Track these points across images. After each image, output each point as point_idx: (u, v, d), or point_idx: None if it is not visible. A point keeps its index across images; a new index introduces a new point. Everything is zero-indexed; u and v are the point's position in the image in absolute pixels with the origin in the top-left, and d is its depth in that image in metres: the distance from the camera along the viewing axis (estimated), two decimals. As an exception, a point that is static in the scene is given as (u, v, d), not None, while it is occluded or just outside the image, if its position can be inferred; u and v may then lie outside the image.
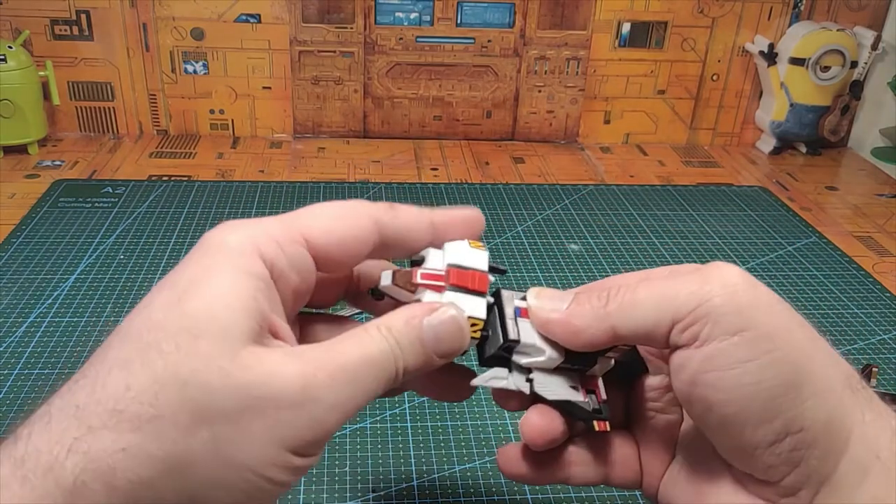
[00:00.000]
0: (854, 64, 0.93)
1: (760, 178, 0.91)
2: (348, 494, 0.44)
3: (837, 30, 0.92)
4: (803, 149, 0.99)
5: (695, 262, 0.70)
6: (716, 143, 1.01)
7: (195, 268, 0.26)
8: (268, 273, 0.27)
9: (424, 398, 0.51)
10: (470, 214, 0.32)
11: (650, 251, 0.72)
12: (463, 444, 0.48)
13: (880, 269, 0.72)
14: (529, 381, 0.31)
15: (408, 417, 0.50)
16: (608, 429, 0.32)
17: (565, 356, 0.30)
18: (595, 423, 0.31)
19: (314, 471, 0.45)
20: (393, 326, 0.27)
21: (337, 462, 0.46)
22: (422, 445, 0.48)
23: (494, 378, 0.31)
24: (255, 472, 0.24)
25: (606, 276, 0.35)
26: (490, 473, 0.46)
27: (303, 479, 0.44)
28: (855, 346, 0.59)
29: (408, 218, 0.30)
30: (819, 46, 0.91)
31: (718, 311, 0.26)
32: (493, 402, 0.51)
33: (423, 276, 0.29)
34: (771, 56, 0.93)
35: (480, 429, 0.49)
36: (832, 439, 0.26)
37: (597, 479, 0.33)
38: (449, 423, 0.50)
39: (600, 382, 0.32)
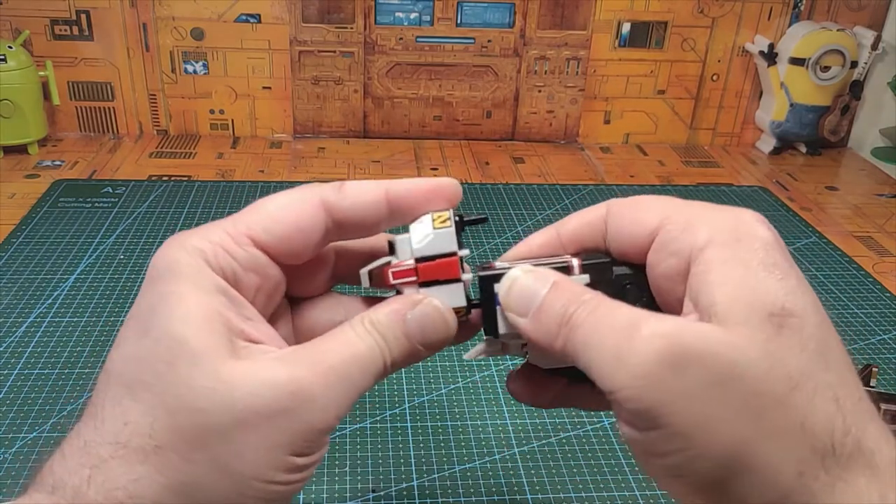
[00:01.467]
0: (854, 64, 0.93)
1: (760, 178, 0.91)
2: (348, 494, 0.44)
3: (837, 30, 0.92)
4: (803, 149, 0.99)
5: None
6: (716, 143, 1.01)
7: (152, 296, 0.26)
8: (224, 283, 0.27)
9: (424, 398, 0.51)
10: (435, 187, 0.29)
11: (650, 251, 0.72)
12: (463, 444, 0.48)
13: (880, 269, 0.72)
14: (525, 352, 0.31)
15: (408, 417, 0.50)
16: None
17: None
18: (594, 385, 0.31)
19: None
20: (377, 321, 0.27)
21: (337, 462, 0.46)
22: (422, 445, 0.48)
23: (485, 351, 0.31)
24: (260, 480, 0.25)
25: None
26: (490, 473, 0.46)
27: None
28: (855, 346, 0.59)
29: (357, 195, 0.28)
30: (819, 46, 0.91)
31: (627, 407, 0.24)
32: (493, 403, 0.51)
33: (395, 274, 0.29)
34: (771, 56, 0.93)
35: (480, 429, 0.49)
36: None
37: (607, 407, 0.32)
38: (449, 423, 0.50)
39: None
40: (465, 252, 0.29)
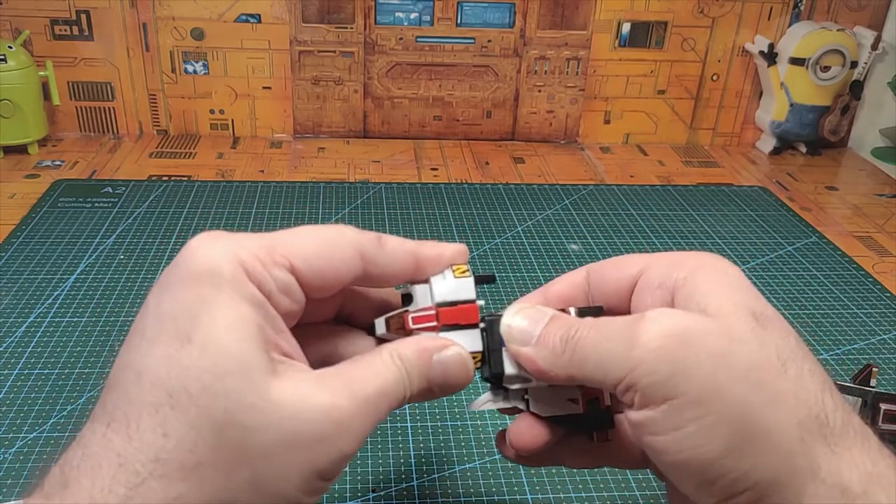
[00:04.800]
0: (854, 64, 0.93)
1: (760, 178, 0.91)
2: (348, 494, 0.44)
3: (837, 30, 0.92)
4: (803, 149, 0.99)
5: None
6: (716, 143, 1.01)
7: (190, 298, 0.25)
8: (262, 296, 0.26)
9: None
10: (457, 251, 0.32)
11: (650, 251, 0.72)
12: (463, 444, 0.48)
13: (880, 269, 0.72)
14: (525, 399, 0.32)
15: (408, 417, 0.50)
16: (609, 438, 0.32)
17: None
18: (594, 434, 0.32)
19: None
20: (405, 357, 0.28)
21: (337, 462, 0.46)
22: (422, 445, 0.48)
23: (490, 401, 0.32)
24: (290, 502, 0.25)
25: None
26: (490, 473, 0.46)
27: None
28: (855, 346, 0.59)
29: (394, 253, 0.30)
30: (819, 46, 0.91)
31: (644, 382, 0.26)
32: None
33: (415, 319, 0.30)
34: (771, 56, 0.93)
35: (480, 429, 0.49)
36: (782, 494, 0.26)
37: (595, 465, 0.34)
38: (449, 423, 0.50)
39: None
40: (481, 303, 0.31)
